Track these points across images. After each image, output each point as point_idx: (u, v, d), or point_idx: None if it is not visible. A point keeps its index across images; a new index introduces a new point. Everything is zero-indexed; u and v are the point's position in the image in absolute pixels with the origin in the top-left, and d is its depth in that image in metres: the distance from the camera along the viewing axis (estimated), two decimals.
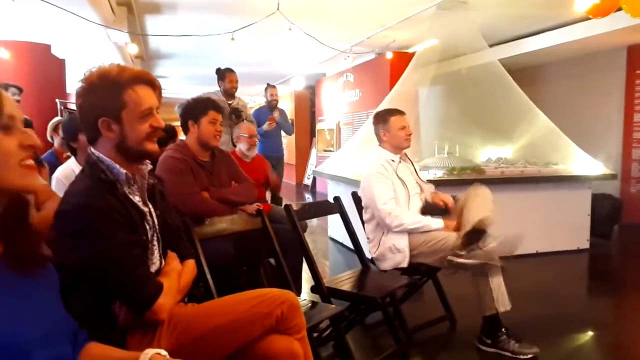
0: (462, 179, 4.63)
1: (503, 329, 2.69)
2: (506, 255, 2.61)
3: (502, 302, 2.67)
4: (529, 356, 2.62)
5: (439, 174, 4.66)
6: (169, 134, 3.67)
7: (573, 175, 5.03)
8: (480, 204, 2.70)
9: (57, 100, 6.07)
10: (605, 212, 5.30)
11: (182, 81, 11.33)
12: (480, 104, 5.34)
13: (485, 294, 2.67)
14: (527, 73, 7.05)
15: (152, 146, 1.48)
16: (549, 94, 7.06)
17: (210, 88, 5.41)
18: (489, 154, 5.76)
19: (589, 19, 4.53)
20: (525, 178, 4.89)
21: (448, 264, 2.63)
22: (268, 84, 6.21)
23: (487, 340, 2.71)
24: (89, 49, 6.40)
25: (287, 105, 12.03)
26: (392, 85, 6.18)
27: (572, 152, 5.20)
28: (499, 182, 4.71)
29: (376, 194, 2.85)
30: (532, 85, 6.30)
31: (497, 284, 2.67)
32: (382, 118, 3.05)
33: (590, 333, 3.16)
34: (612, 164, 5.80)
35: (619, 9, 3.56)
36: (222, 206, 2.58)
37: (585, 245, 5.06)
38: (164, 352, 1.14)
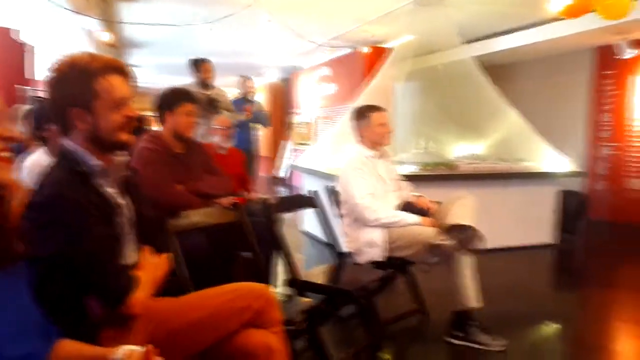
0: (436, 175, 4.70)
1: (473, 323, 2.75)
2: (474, 249, 2.66)
3: (473, 298, 2.72)
4: (498, 348, 2.69)
5: (413, 169, 4.71)
6: (142, 124, 3.62)
7: (542, 172, 5.16)
8: (465, 212, 2.73)
9: (16, 86, 5.85)
10: (572, 208, 5.45)
11: (156, 71, 11.13)
12: (455, 101, 5.41)
13: (457, 289, 2.72)
14: (501, 70, 7.16)
15: (126, 136, 1.45)
16: (521, 91, 7.20)
17: (186, 78, 5.34)
18: (462, 150, 5.85)
19: (561, 19, 4.64)
20: (496, 174, 4.99)
21: (429, 248, 2.64)
22: (244, 76, 6.15)
23: (458, 333, 2.77)
24: (59, 36, 6.22)
25: (261, 97, 11.95)
26: (368, 79, 6.21)
27: (541, 150, 5.34)
28: (471, 177, 4.81)
29: (354, 188, 2.86)
30: (505, 83, 6.41)
31: (469, 280, 2.72)
32: (362, 114, 3.06)
33: (555, 326, 3.26)
34: (579, 161, 5.96)
35: (592, 11, 3.64)
36: (196, 199, 2.56)
37: (552, 240, 5.20)
38: (138, 348, 1.12)
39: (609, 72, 6.56)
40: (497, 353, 2.68)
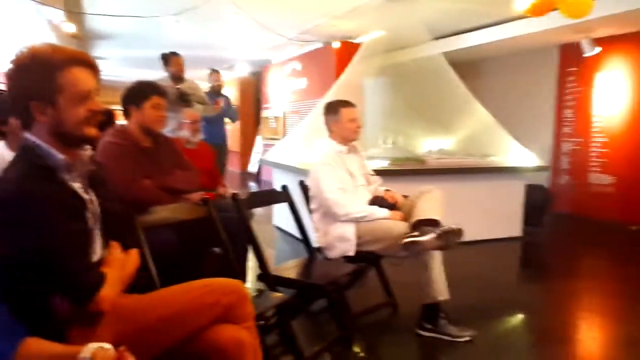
0: (405, 169, 4.75)
1: (442, 315, 2.80)
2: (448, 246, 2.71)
3: (442, 291, 2.77)
4: (466, 339, 2.75)
5: (382, 164, 4.75)
6: (107, 118, 3.53)
7: (508, 167, 5.27)
8: (432, 206, 2.77)
9: None
10: (537, 202, 5.60)
11: (123, 63, 10.88)
12: (424, 96, 5.47)
13: (426, 283, 2.77)
14: (469, 67, 7.29)
15: (91, 131, 1.41)
16: (489, 88, 7.34)
17: (153, 71, 5.24)
18: (431, 145, 5.93)
19: (527, 17, 4.74)
20: (464, 169, 5.08)
21: (403, 246, 2.67)
22: (212, 69, 6.08)
23: (427, 325, 2.82)
24: (20, 27, 6.00)
25: (231, 91, 11.83)
26: (338, 74, 6.22)
27: (508, 145, 5.46)
28: (439, 172, 4.88)
29: (324, 183, 2.87)
30: (474, 79, 6.53)
31: (438, 273, 2.77)
32: (332, 109, 3.07)
33: (522, 316, 3.35)
34: (544, 156, 6.12)
35: (555, 9, 3.73)
36: (165, 194, 2.52)
37: (519, 233, 5.34)
38: (107, 346, 1.10)
39: (572, 70, 6.75)
40: (465, 344, 2.73)
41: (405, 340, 2.84)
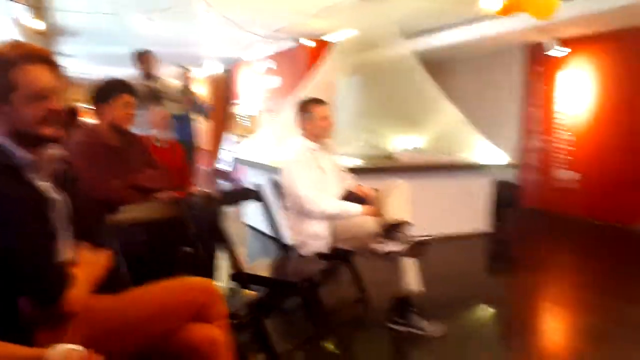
0: (378, 167, 4.80)
1: (413, 309, 2.85)
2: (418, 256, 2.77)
3: (414, 284, 2.82)
4: (436, 333, 2.80)
5: (355, 162, 4.79)
6: (69, 116, 3.46)
7: (477, 164, 5.39)
8: (400, 204, 2.82)
9: None
10: (505, 198, 5.73)
11: (93, 61, 10.63)
12: (396, 95, 5.54)
13: (398, 277, 2.81)
14: (440, 66, 7.38)
15: (49, 130, 1.35)
16: (459, 87, 7.46)
17: (124, 69, 5.15)
18: (402, 143, 6.00)
19: (495, 17, 4.84)
20: (434, 166, 5.16)
21: (370, 252, 2.72)
22: (182, 66, 6.01)
23: (399, 320, 2.86)
24: None
25: (202, 89, 11.70)
26: (311, 73, 6.23)
27: (477, 142, 5.57)
28: (411, 170, 4.94)
29: (297, 181, 2.88)
30: (444, 79, 6.62)
31: (410, 267, 2.82)
32: (304, 107, 3.08)
33: (490, 309, 3.44)
34: (512, 153, 6.26)
35: (522, 11, 3.82)
36: (135, 193, 2.49)
37: (487, 228, 5.45)
38: (78, 348, 1.09)
39: (538, 69, 6.92)
40: (436, 337, 2.79)
41: (377, 335, 2.88)
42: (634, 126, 5.78)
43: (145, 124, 4.28)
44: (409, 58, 5.58)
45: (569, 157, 6.57)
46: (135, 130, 2.94)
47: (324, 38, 7.45)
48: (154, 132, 3.66)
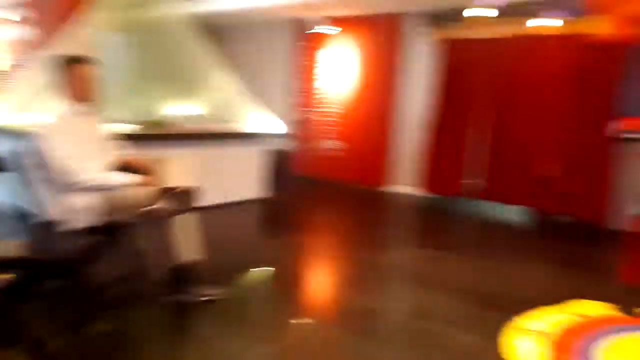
0: (150, 134, 4.56)
1: (193, 277, 2.82)
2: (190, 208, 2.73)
3: (192, 253, 2.78)
4: (217, 297, 2.84)
5: (126, 128, 4.45)
6: None
7: (253, 133, 5.56)
8: (179, 173, 2.74)
9: None
10: (280, 166, 6.07)
11: None
12: (172, 59, 5.30)
13: (175, 247, 2.73)
14: (221, 32, 7.27)
15: None
16: (236, 55, 7.46)
17: None
18: (179, 110, 5.81)
19: None
20: (211, 134, 5.15)
21: (140, 216, 2.57)
22: None
23: (179, 289, 2.80)
24: None
25: None
26: (71, 25, 5.50)
27: (253, 112, 5.73)
28: (187, 137, 4.85)
29: (56, 150, 2.55)
30: (225, 45, 6.59)
31: (187, 236, 2.76)
32: (62, 65, 2.71)
33: (266, 269, 3.63)
34: (286, 123, 6.62)
35: None
36: None
37: (264, 194, 5.71)
38: None
39: (307, 44, 7.41)
40: (217, 302, 2.82)
41: (156, 309, 2.79)
42: (383, 99, 6.68)
43: None
44: (184, 20, 5.37)
45: (336, 128, 7.25)
46: None
47: None
48: None
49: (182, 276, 2.80)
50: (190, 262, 2.79)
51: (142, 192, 2.65)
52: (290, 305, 3.01)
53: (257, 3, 6.25)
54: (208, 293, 2.83)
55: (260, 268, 3.63)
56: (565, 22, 4.98)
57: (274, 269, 3.65)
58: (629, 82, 4.91)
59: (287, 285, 3.36)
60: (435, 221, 5.61)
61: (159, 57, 5.32)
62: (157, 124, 4.80)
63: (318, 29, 6.82)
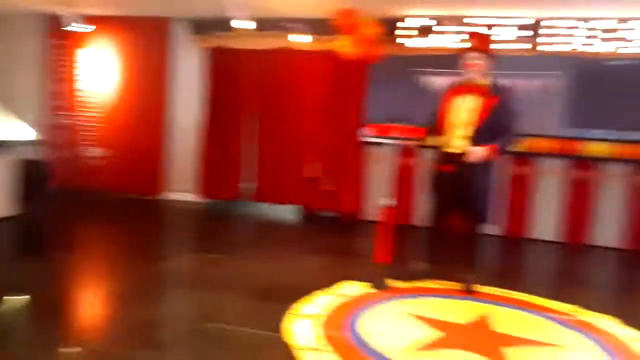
0: None
1: None
2: None
3: None
4: None
5: None
6: None
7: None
8: None
9: None
10: (34, 178, 5.31)
11: None
12: None
13: None
14: None
15: None
16: None
17: None
18: None
19: None
20: None
21: None
22: None
23: None
24: None
25: None
26: None
27: None
28: None
29: None
30: None
31: None
32: None
33: (23, 296, 3.11)
34: (38, 130, 5.86)
35: None
36: None
37: (14, 212, 4.93)
38: None
39: (59, 42, 6.65)
40: None
41: None
42: (152, 104, 6.44)
43: None
44: None
45: (97, 134, 6.68)
46: None
47: None
48: None
49: None
50: None
51: None
52: (56, 332, 2.67)
53: None
54: None
55: (16, 296, 3.11)
56: (318, 39, 5.62)
57: (31, 295, 3.13)
58: (372, 93, 5.78)
59: (51, 310, 2.95)
60: (213, 225, 5.66)
61: None
62: None
63: (75, 26, 6.17)
